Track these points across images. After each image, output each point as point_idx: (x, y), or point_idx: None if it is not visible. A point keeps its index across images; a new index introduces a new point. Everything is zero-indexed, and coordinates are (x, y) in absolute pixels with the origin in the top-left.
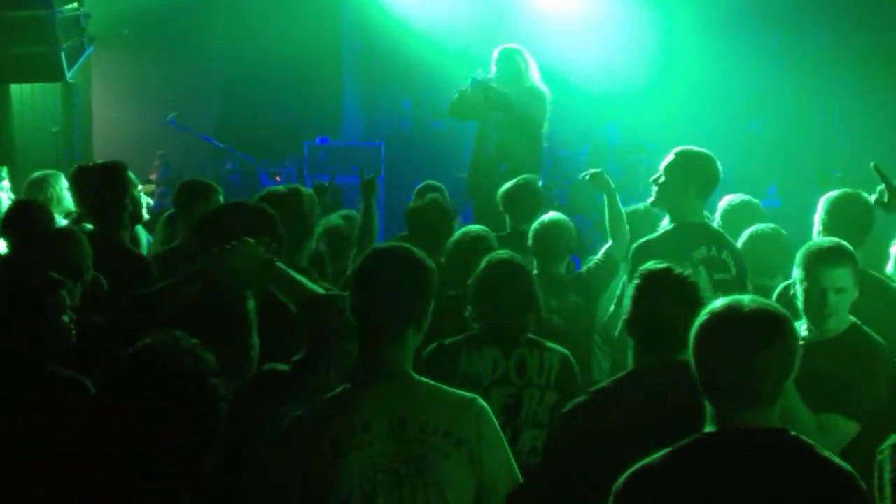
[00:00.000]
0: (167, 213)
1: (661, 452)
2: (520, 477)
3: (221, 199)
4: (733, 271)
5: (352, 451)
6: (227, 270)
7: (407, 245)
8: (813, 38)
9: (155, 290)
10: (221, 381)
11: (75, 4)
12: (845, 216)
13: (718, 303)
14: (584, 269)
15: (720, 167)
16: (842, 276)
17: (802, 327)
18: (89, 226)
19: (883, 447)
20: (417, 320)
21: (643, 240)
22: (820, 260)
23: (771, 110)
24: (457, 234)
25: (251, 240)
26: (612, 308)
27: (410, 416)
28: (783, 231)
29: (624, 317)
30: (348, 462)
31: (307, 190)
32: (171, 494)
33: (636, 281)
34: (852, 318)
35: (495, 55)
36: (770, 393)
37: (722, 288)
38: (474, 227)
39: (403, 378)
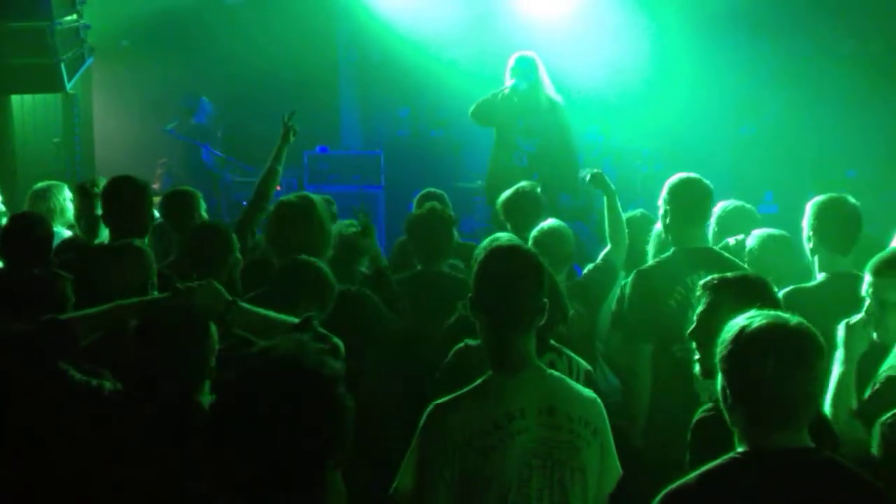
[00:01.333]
0: (155, 224)
1: (696, 473)
2: (621, 469)
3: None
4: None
5: (513, 437)
6: (188, 309)
7: (521, 243)
8: (801, 45)
9: (77, 317)
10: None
11: (75, 16)
12: (834, 221)
13: (758, 315)
14: (583, 276)
15: (707, 187)
16: (886, 286)
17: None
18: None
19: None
20: (541, 313)
21: (641, 268)
22: (869, 267)
23: (763, 116)
24: (485, 242)
25: (214, 281)
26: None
27: (558, 404)
28: (788, 235)
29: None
30: (510, 447)
31: (318, 197)
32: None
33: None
34: None
35: (514, 62)
36: (810, 413)
37: None
38: (504, 235)
39: (539, 369)
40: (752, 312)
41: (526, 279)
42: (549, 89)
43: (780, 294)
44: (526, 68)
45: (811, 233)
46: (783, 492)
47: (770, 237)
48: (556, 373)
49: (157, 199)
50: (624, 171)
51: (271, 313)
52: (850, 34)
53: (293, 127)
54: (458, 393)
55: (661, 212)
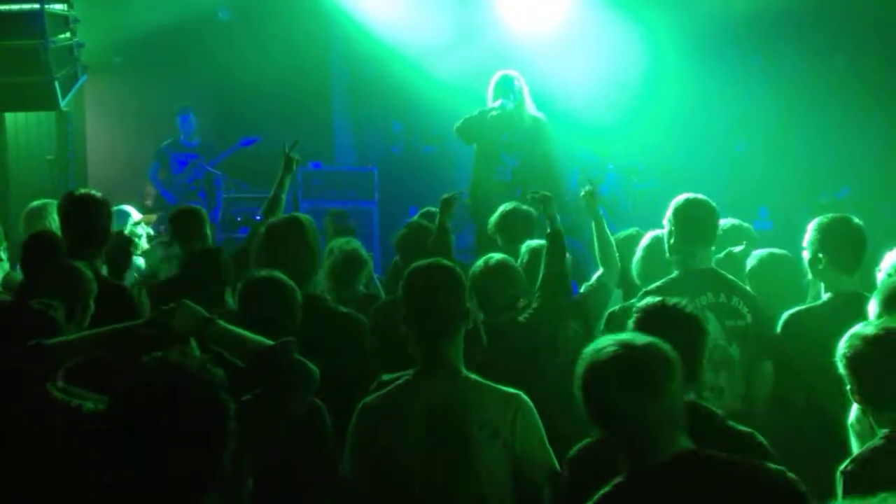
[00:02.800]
0: (157, 242)
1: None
2: (557, 466)
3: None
4: (748, 318)
5: (415, 431)
6: (167, 331)
7: (444, 260)
8: (794, 60)
9: (58, 342)
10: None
11: (68, 34)
12: (840, 239)
13: (605, 344)
14: (579, 295)
15: (713, 208)
16: None
17: None
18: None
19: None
20: (464, 319)
21: (647, 288)
22: (879, 301)
23: (757, 132)
24: (480, 262)
25: (189, 301)
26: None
27: (457, 406)
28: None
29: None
30: (412, 440)
31: (306, 217)
32: None
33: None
34: None
35: (496, 81)
36: (673, 431)
37: (736, 335)
38: (496, 256)
39: (456, 373)
40: (606, 339)
41: (445, 290)
42: (531, 107)
43: (787, 315)
44: (508, 87)
45: (820, 253)
46: (690, 498)
47: (771, 256)
48: (473, 377)
49: (151, 217)
50: (617, 187)
51: (248, 333)
52: (843, 50)
53: (295, 156)
54: (382, 391)
55: (665, 231)
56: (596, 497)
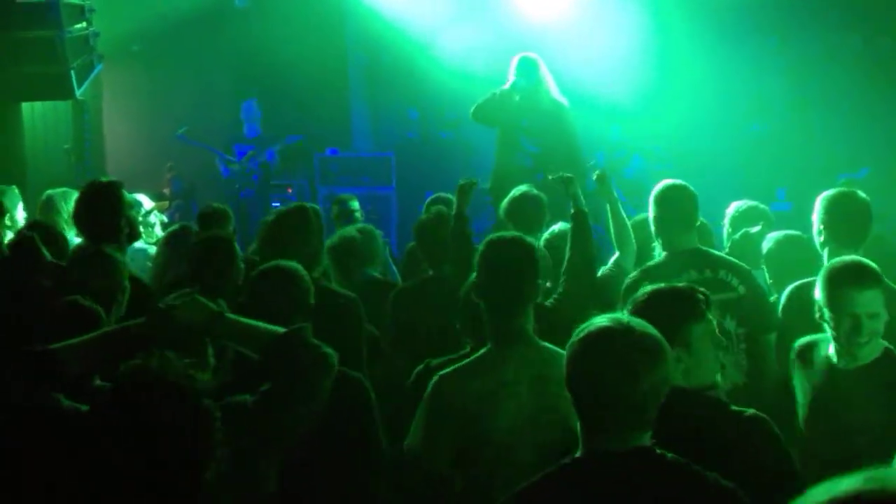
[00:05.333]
0: (170, 233)
1: (539, 475)
2: None
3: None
4: (740, 290)
5: (504, 402)
6: (172, 328)
7: (521, 235)
8: (810, 40)
9: (66, 346)
10: (213, 403)
11: (84, 24)
12: (844, 215)
13: (595, 321)
14: (597, 279)
15: (692, 193)
16: (873, 300)
17: (830, 350)
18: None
19: None
20: (536, 294)
21: (630, 277)
22: (848, 283)
23: (774, 113)
24: (492, 237)
25: (197, 295)
26: None
27: (548, 373)
28: (805, 236)
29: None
30: (502, 412)
31: (313, 206)
32: None
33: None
34: (884, 343)
35: (516, 62)
36: (642, 417)
37: (729, 308)
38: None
39: (533, 343)
40: (605, 316)
41: (521, 265)
42: (553, 91)
43: (790, 288)
44: (527, 69)
45: (821, 227)
46: (600, 494)
47: (787, 238)
48: (550, 346)
49: (164, 204)
50: (639, 170)
51: (259, 323)
52: (858, 30)
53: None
54: (459, 365)
55: (650, 215)
56: (541, 475)
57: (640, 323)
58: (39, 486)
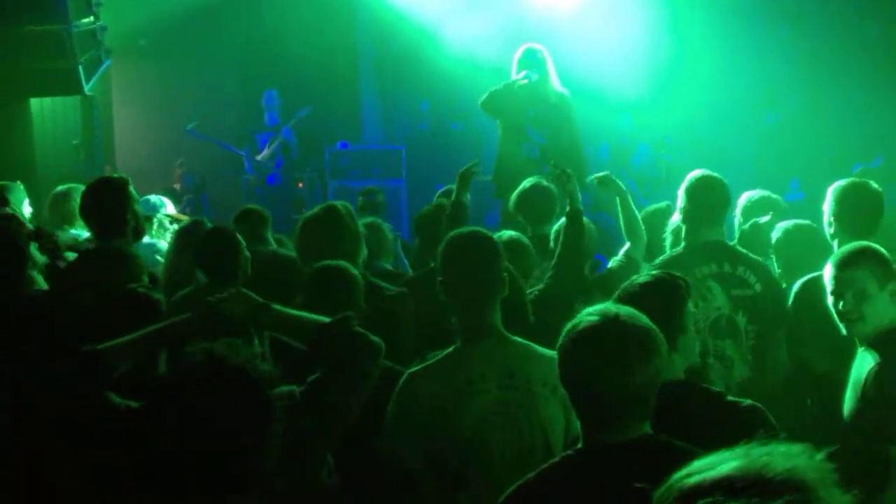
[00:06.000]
0: (183, 228)
1: (538, 470)
2: None
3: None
4: (756, 288)
5: (472, 398)
6: (219, 321)
7: (479, 228)
8: (823, 29)
9: (112, 346)
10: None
11: (91, 18)
12: (854, 205)
13: (588, 313)
14: (606, 270)
15: (726, 188)
16: (861, 278)
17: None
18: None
19: None
20: (502, 286)
21: (654, 262)
22: (835, 262)
23: (786, 104)
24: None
25: (242, 288)
26: None
27: (516, 368)
28: (814, 225)
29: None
30: (470, 407)
31: (342, 203)
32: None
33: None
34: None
35: (521, 53)
36: (640, 410)
37: (743, 304)
38: (507, 233)
39: (503, 337)
40: (594, 308)
41: (484, 257)
42: (556, 82)
43: (800, 283)
44: (533, 60)
45: (832, 217)
46: (595, 488)
47: (797, 228)
48: (520, 340)
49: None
50: (650, 161)
51: (304, 314)
52: (873, 17)
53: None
54: (428, 362)
55: (679, 204)
56: (543, 467)
57: (629, 313)
58: (95, 482)
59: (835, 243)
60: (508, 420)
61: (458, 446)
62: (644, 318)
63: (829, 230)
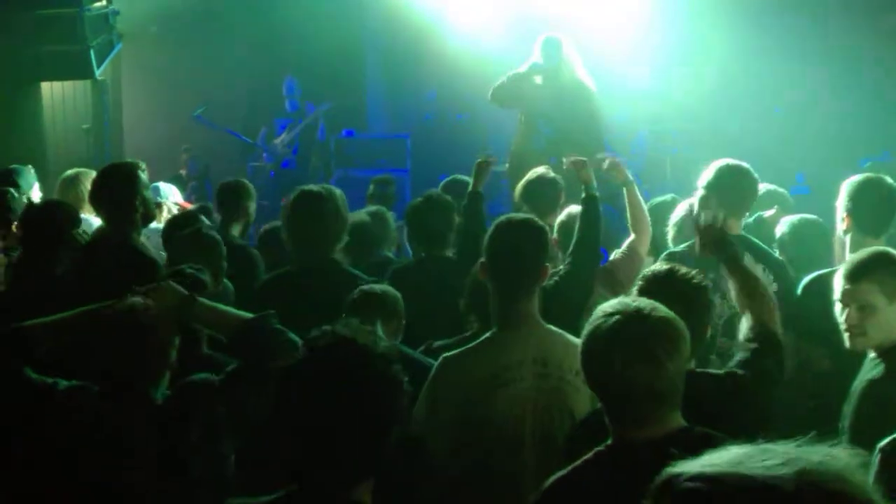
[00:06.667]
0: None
1: (571, 465)
2: None
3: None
4: (773, 286)
5: (507, 385)
6: (146, 308)
7: (531, 217)
8: (832, 22)
9: (38, 324)
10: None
11: (104, 2)
12: (870, 201)
13: (613, 308)
14: (609, 262)
15: (754, 180)
16: (868, 292)
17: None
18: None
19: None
20: (543, 276)
21: (671, 251)
22: (846, 271)
23: (795, 97)
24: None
25: (170, 282)
26: None
27: (550, 356)
28: (819, 220)
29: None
30: (505, 394)
31: (338, 189)
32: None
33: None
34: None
35: (541, 42)
36: (669, 404)
37: None
38: (520, 214)
39: (538, 325)
40: (611, 303)
41: (530, 248)
42: (580, 72)
43: (808, 279)
44: (550, 49)
45: (844, 213)
46: (630, 483)
47: (802, 222)
48: (554, 329)
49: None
50: (654, 152)
51: (228, 308)
52: (886, 10)
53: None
54: (465, 347)
55: (700, 194)
56: (573, 465)
57: (650, 305)
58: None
59: (847, 238)
60: (540, 408)
61: (489, 431)
62: (664, 308)
63: (841, 226)
